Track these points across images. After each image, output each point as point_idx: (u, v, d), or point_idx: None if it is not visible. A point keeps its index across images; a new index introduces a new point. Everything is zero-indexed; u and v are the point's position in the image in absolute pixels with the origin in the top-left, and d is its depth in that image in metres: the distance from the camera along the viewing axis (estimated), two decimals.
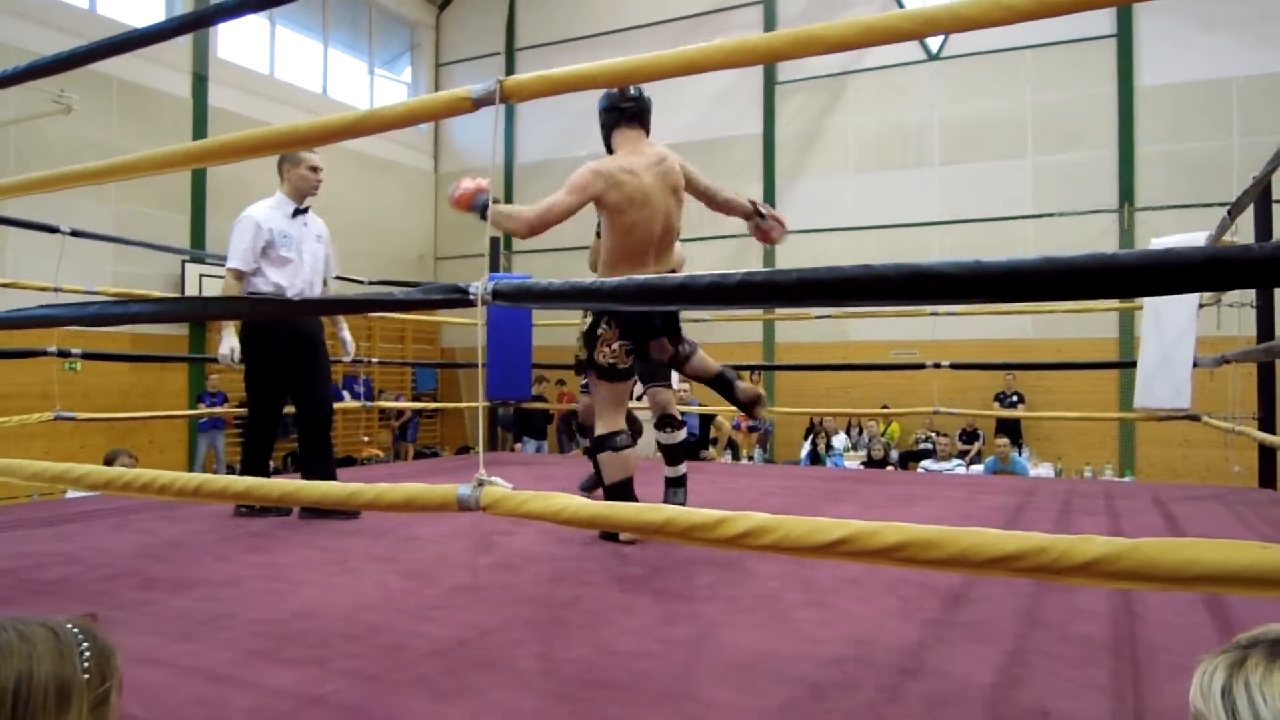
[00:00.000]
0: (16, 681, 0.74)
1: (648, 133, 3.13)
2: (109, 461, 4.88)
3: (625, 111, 3.06)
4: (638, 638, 2.02)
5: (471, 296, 1.67)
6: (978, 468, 10.08)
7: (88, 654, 0.79)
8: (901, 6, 11.62)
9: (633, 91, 3.07)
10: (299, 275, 3.81)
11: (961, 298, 1.26)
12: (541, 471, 5.72)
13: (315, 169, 3.82)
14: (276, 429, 3.95)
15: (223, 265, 3.53)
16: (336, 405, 10.35)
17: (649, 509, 1.44)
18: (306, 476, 3.88)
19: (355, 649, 1.93)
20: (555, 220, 2.92)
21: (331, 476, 3.88)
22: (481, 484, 1.59)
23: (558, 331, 9.30)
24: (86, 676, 0.78)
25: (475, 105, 1.71)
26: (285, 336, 3.78)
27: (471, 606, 2.31)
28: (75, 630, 0.81)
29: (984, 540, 1.14)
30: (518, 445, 11.02)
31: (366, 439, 13.14)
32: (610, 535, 3.11)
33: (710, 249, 12.31)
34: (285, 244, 3.73)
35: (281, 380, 3.83)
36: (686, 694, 1.69)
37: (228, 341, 3.75)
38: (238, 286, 3.69)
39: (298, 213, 3.81)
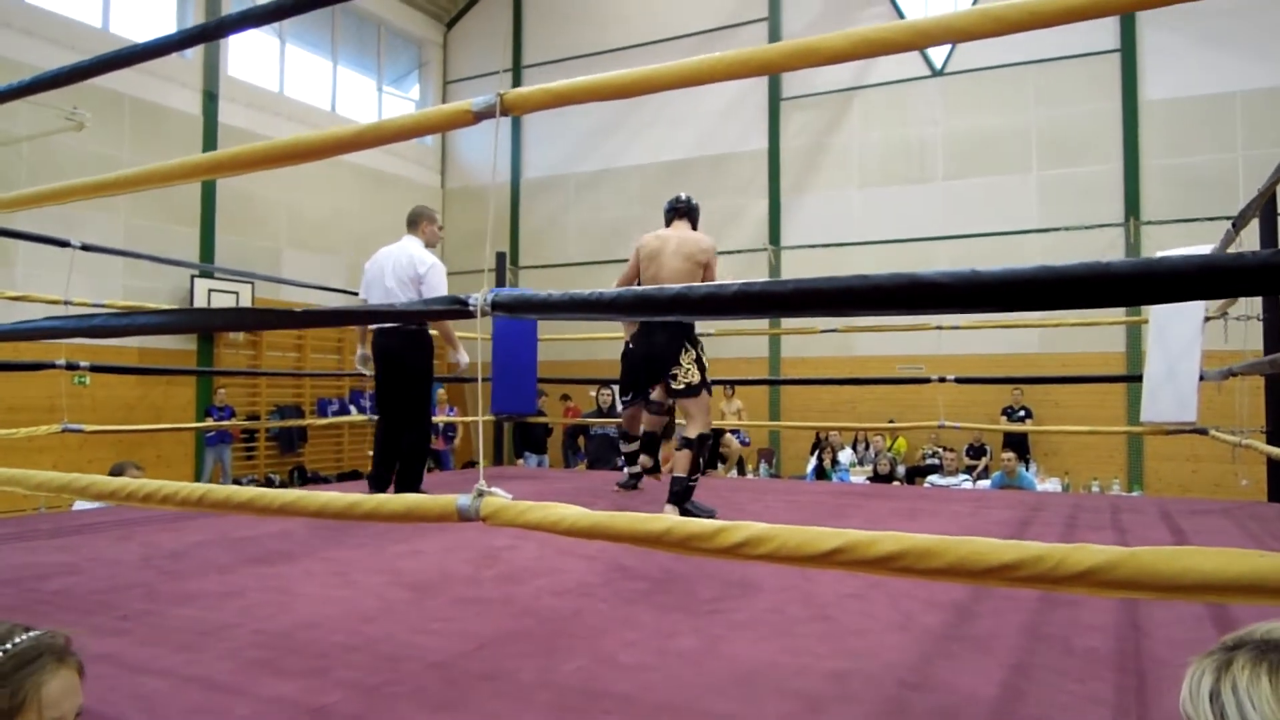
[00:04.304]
0: None
1: (693, 224, 4.42)
2: (116, 473, 4.89)
3: (676, 210, 4.42)
4: (638, 650, 2.02)
5: (471, 308, 1.68)
6: (984, 483, 10.03)
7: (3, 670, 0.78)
8: (902, 19, 11.71)
9: (683, 196, 4.45)
10: None
11: (959, 307, 1.26)
12: (545, 486, 5.72)
13: (442, 227, 4.68)
14: None
15: (231, 280, 3.74)
16: (343, 419, 10.38)
17: (649, 519, 1.44)
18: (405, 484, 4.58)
19: (356, 660, 1.94)
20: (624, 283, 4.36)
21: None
22: (481, 494, 1.60)
23: (563, 346, 9.34)
24: None
25: (477, 118, 1.73)
26: None
27: (472, 619, 2.30)
28: (13, 645, 0.79)
29: (981, 549, 1.14)
30: (519, 460, 11.00)
31: (371, 453, 13.13)
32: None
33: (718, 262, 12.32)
34: None
35: None
36: (687, 706, 1.68)
37: (465, 354, 4.59)
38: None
39: None
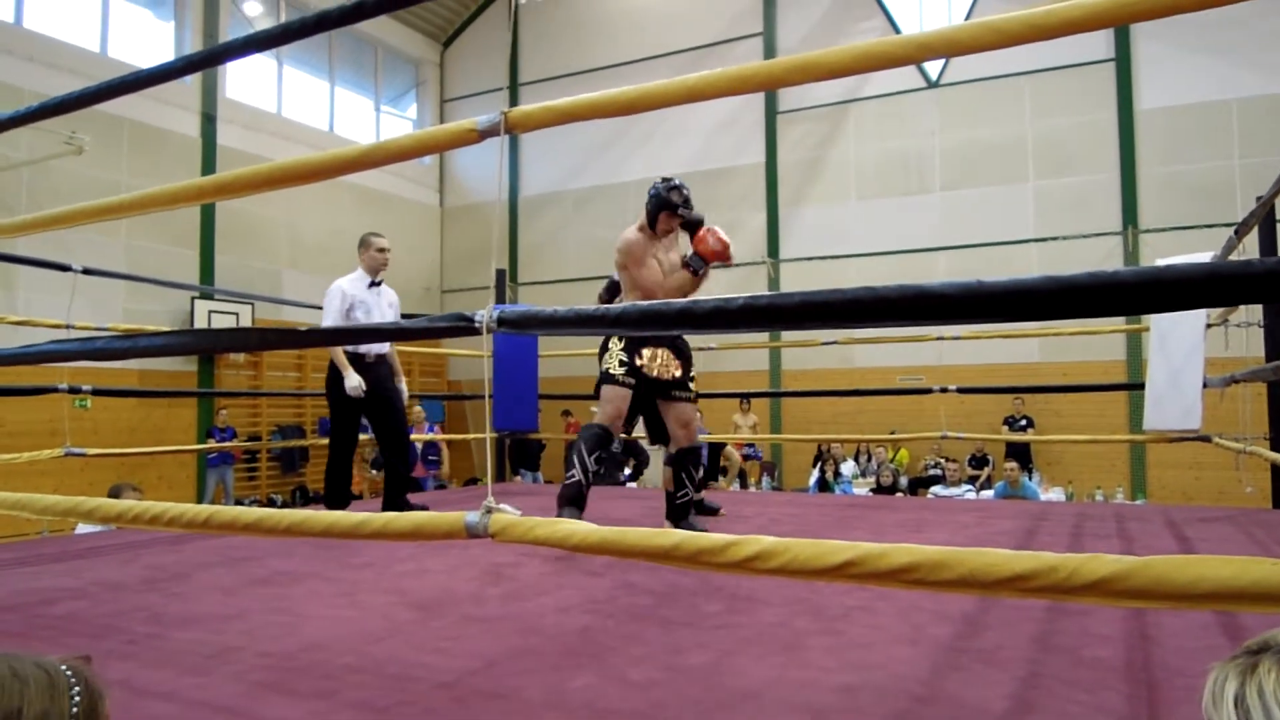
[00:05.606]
0: (6, 717, 0.74)
1: (647, 215, 3.96)
2: (114, 495, 4.89)
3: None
4: (646, 667, 2.01)
5: (477, 325, 1.68)
6: (988, 493, 10.01)
7: (78, 697, 0.80)
8: (898, 33, 11.80)
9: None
10: None
11: (964, 318, 1.26)
12: (548, 501, 5.70)
13: (382, 250, 4.73)
14: (351, 460, 4.87)
15: (231, 301, 3.83)
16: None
17: (658, 534, 1.44)
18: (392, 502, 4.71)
19: (363, 681, 1.92)
20: None
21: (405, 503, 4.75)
22: (489, 511, 1.59)
23: (564, 362, 9.33)
24: (75, 714, 0.78)
25: (481, 136, 1.74)
26: (369, 385, 4.54)
27: (479, 637, 2.29)
28: (68, 672, 0.81)
29: (993, 560, 1.13)
30: (516, 477, 10.97)
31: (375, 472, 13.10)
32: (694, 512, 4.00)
33: (717, 275, 12.36)
34: (362, 309, 4.60)
35: (357, 420, 4.69)
36: None
37: (353, 378, 4.49)
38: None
39: (372, 285, 4.68)
